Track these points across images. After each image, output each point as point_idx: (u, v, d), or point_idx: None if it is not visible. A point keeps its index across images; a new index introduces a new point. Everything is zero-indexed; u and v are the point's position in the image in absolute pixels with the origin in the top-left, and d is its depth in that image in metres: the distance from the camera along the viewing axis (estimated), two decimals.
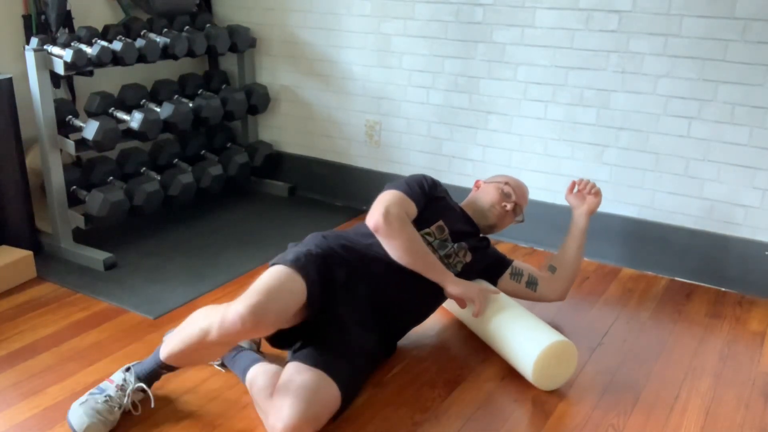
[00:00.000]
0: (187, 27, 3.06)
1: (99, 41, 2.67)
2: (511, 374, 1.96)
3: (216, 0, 3.40)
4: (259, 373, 1.74)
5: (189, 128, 2.93)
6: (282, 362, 1.77)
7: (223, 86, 3.31)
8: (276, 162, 3.47)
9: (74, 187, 2.73)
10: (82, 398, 1.68)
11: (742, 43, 2.30)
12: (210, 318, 1.58)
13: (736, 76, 2.34)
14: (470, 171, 2.94)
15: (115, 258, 2.59)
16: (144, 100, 2.92)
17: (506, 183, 2.19)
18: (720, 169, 2.45)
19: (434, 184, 2.09)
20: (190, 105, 2.93)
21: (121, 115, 2.75)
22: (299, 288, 1.66)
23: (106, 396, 1.67)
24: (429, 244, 1.97)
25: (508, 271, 2.15)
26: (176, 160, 3.09)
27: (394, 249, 1.87)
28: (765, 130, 2.34)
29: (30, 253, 2.48)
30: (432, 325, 2.22)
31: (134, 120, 2.69)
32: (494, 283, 2.15)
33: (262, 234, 2.92)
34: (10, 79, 2.48)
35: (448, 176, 3.00)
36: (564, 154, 2.71)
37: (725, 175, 2.45)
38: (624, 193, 2.64)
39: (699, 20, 2.35)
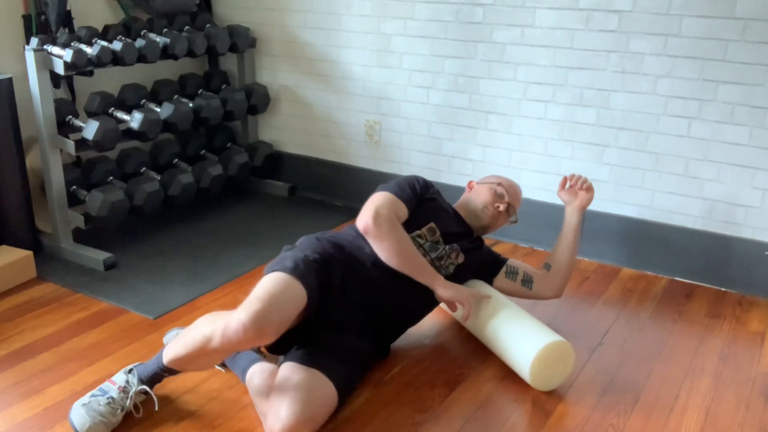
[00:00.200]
0: (187, 27, 3.06)
1: (99, 41, 2.67)
2: (511, 374, 1.96)
3: (216, 0, 3.40)
4: (255, 373, 1.74)
5: (189, 128, 2.93)
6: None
7: (223, 86, 3.31)
8: (276, 162, 3.47)
9: (74, 187, 2.73)
10: (84, 399, 1.68)
11: (742, 43, 2.30)
12: (213, 325, 1.58)
13: (736, 76, 2.34)
14: (470, 171, 2.94)
15: (115, 258, 2.59)
16: (144, 100, 2.93)
17: (499, 184, 2.18)
18: (720, 169, 2.45)
19: (426, 185, 2.09)
20: (190, 105, 2.93)
21: (121, 115, 2.75)
22: (300, 295, 1.66)
23: (108, 398, 1.67)
24: (420, 246, 1.97)
25: (503, 269, 2.15)
26: (176, 160, 3.10)
27: (383, 251, 1.87)
28: (765, 130, 2.34)
29: (30, 253, 2.48)
30: (432, 325, 2.22)
31: (134, 120, 2.69)
32: (490, 282, 2.15)
33: (262, 234, 2.92)
34: (10, 79, 2.48)
35: (448, 176, 3.00)
36: (564, 154, 2.71)
37: (725, 175, 2.45)
38: (624, 193, 2.64)
39: (699, 20, 2.35)
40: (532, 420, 1.77)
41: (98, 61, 2.60)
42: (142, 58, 2.76)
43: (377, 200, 1.92)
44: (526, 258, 2.73)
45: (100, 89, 2.88)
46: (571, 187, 2.21)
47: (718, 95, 2.38)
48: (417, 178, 2.07)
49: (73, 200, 2.72)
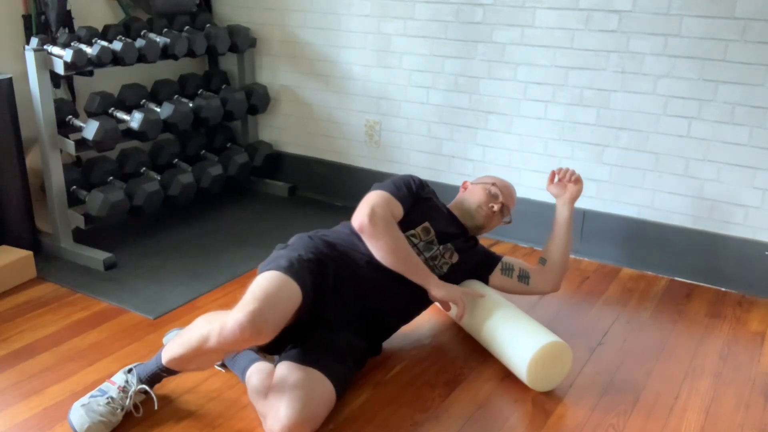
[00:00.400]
0: (187, 27, 3.06)
1: (99, 41, 2.67)
2: (511, 374, 1.96)
3: (216, 0, 3.40)
4: (253, 373, 1.75)
5: (189, 128, 2.93)
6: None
7: (223, 86, 3.31)
8: (276, 162, 3.47)
9: (74, 187, 2.73)
10: (84, 399, 1.68)
11: (742, 43, 2.30)
12: (211, 325, 1.58)
13: (736, 76, 2.34)
14: (470, 171, 2.94)
15: (115, 258, 2.59)
16: (144, 100, 2.93)
17: (493, 184, 2.18)
18: (720, 169, 2.45)
19: (422, 185, 2.09)
20: (190, 105, 2.93)
21: (121, 115, 2.75)
22: (295, 294, 1.66)
23: (107, 398, 1.68)
24: (414, 246, 1.97)
25: (498, 267, 2.15)
26: (176, 160, 3.10)
27: (378, 250, 1.87)
28: (765, 130, 2.34)
29: (30, 253, 2.48)
30: (431, 325, 2.23)
31: (134, 120, 2.69)
32: (486, 280, 2.15)
33: (262, 234, 2.92)
34: (10, 79, 2.48)
35: (448, 176, 3.00)
36: (564, 154, 2.71)
37: (725, 175, 2.45)
38: (624, 193, 2.64)
39: (699, 20, 2.35)
40: (532, 420, 1.77)
41: (98, 61, 2.60)
42: (142, 58, 2.76)
43: (373, 199, 1.92)
44: (525, 258, 2.73)
45: (100, 89, 2.88)
46: (560, 180, 2.22)
47: (718, 95, 2.38)
48: (412, 177, 2.08)
49: (73, 200, 2.72)
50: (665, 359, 2.06)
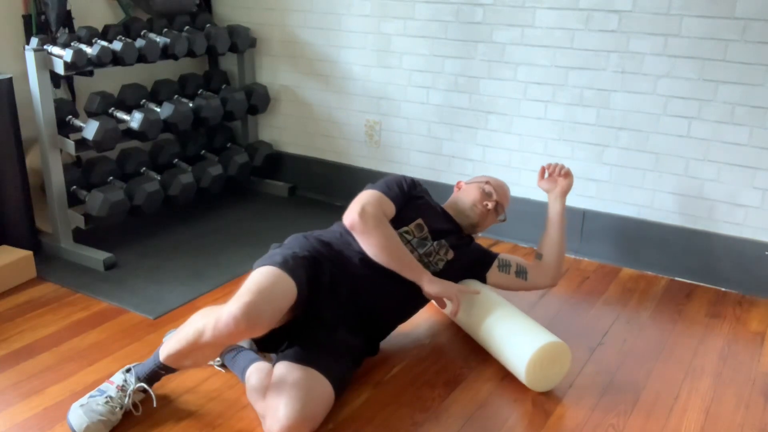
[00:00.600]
0: (187, 27, 3.06)
1: (99, 41, 2.67)
2: (510, 374, 1.96)
3: (216, 0, 3.40)
4: (252, 372, 1.75)
5: (189, 128, 2.93)
6: None
7: (223, 86, 3.31)
8: (276, 162, 3.47)
9: (74, 187, 2.73)
10: (83, 400, 1.68)
11: (742, 43, 2.30)
12: (206, 319, 1.59)
13: (736, 76, 2.34)
14: (470, 171, 2.94)
15: (115, 258, 2.59)
16: (144, 100, 2.93)
17: (487, 182, 2.20)
18: (720, 169, 2.45)
19: (413, 184, 2.10)
20: (190, 105, 2.93)
21: (121, 115, 2.75)
22: (290, 289, 1.67)
23: (106, 397, 1.68)
24: (407, 242, 1.98)
25: (495, 263, 2.15)
26: (176, 160, 3.10)
27: (369, 246, 1.88)
28: (765, 130, 2.34)
29: (30, 253, 2.48)
30: (431, 325, 2.23)
31: (134, 120, 2.69)
32: (483, 277, 2.15)
33: (262, 234, 2.92)
34: (10, 79, 2.48)
35: (448, 176, 3.00)
36: (564, 154, 2.71)
37: (725, 175, 2.45)
38: (624, 193, 2.64)
39: (699, 20, 2.35)
40: (532, 420, 1.77)
41: (98, 61, 2.60)
42: (142, 58, 2.76)
43: (364, 197, 1.94)
44: (525, 258, 2.73)
45: (100, 89, 2.88)
46: (550, 175, 2.24)
47: (718, 95, 2.38)
48: (404, 177, 2.09)
49: (73, 200, 2.72)
50: (665, 359, 2.06)
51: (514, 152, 2.82)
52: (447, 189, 2.85)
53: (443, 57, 2.86)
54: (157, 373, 1.72)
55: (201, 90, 3.19)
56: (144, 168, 2.94)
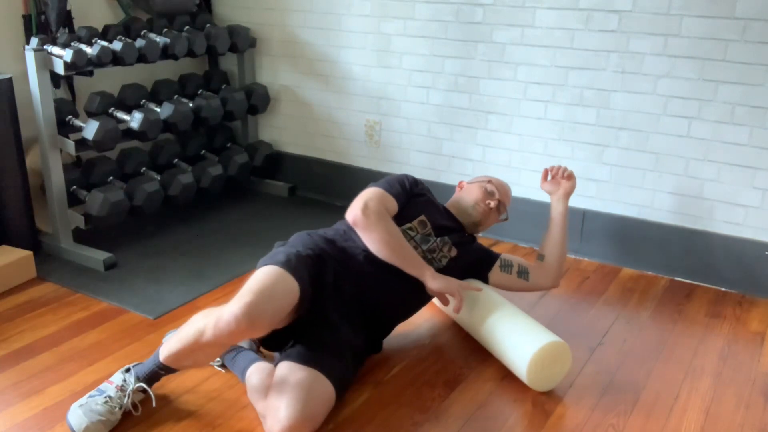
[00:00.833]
0: (187, 27, 3.06)
1: (99, 41, 2.67)
2: (511, 374, 1.96)
3: (216, 0, 3.40)
4: (253, 373, 1.75)
5: (189, 128, 2.93)
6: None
7: (223, 86, 3.31)
8: (276, 162, 3.47)
9: (74, 187, 2.73)
10: (82, 400, 1.68)
11: (742, 43, 2.30)
12: (207, 319, 1.59)
13: (736, 76, 2.34)
14: (470, 171, 2.94)
15: (115, 258, 2.59)
16: (144, 100, 2.93)
17: (489, 181, 2.22)
18: (720, 169, 2.45)
19: (415, 182, 2.12)
20: (190, 105, 2.93)
21: (121, 115, 2.75)
22: (292, 288, 1.67)
23: (105, 397, 1.68)
24: (411, 239, 1.98)
25: (498, 263, 2.15)
26: (176, 160, 3.10)
27: (372, 242, 1.88)
28: (765, 130, 2.34)
29: (30, 253, 2.48)
30: (431, 325, 2.23)
31: (134, 120, 2.69)
32: (485, 277, 2.15)
33: (262, 234, 2.92)
34: (10, 79, 2.48)
35: (448, 176, 3.00)
36: (564, 154, 2.71)
37: (725, 175, 2.45)
38: (624, 193, 2.64)
39: (699, 20, 2.35)
40: (532, 420, 1.77)
41: (98, 61, 2.60)
42: (142, 58, 2.76)
43: (366, 194, 1.95)
44: (526, 258, 2.73)
45: (100, 89, 2.88)
46: (553, 177, 2.25)
47: (718, 95, 2.38)
48: (406, 176, 2.10)
49: (73, 200, 2.72)
50: (665, 359, 2.06)
51: (514, 152, 2.82)
52: (447, 189, 2.86)
53: (443, 57, 2.86)
54: (157, 373, 1.72)
55: (201, 90, 3.19)
56: (144, 168, 2.94)
